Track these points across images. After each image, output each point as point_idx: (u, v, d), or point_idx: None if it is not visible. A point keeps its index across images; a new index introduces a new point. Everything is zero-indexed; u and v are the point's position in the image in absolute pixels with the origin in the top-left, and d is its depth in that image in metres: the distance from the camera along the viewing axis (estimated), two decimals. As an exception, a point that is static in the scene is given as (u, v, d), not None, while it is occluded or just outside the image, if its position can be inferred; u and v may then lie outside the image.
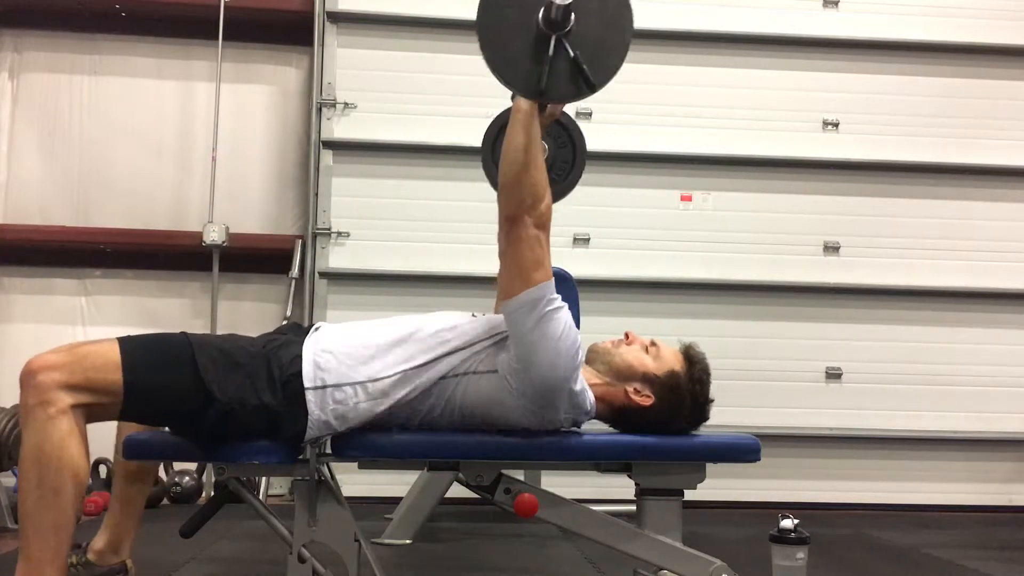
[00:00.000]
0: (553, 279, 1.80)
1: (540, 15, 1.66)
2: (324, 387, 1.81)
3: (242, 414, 1.76)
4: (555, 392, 1.79)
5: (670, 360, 1.96)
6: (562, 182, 2.20)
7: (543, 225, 1.80)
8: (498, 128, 2.37)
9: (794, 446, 4.53)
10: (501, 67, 1.69)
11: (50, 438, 1.68)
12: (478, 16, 1.70)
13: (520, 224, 1.79)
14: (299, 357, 1.83)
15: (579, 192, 4.51)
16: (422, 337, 1.88)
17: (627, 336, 2.01)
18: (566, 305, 1.81)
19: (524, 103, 1.78)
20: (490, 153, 2.33)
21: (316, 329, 1.95)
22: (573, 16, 1.65)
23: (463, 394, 1.86)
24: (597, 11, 1.69)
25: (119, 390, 1.73)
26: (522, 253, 1.79)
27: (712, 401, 1.98)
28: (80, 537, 2.17)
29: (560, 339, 1.77)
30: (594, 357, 2.00)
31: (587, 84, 1.69)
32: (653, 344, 1.99)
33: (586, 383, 1.90)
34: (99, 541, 2.11)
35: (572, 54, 1.67)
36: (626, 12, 1.73)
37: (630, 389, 1.93)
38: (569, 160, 2.19)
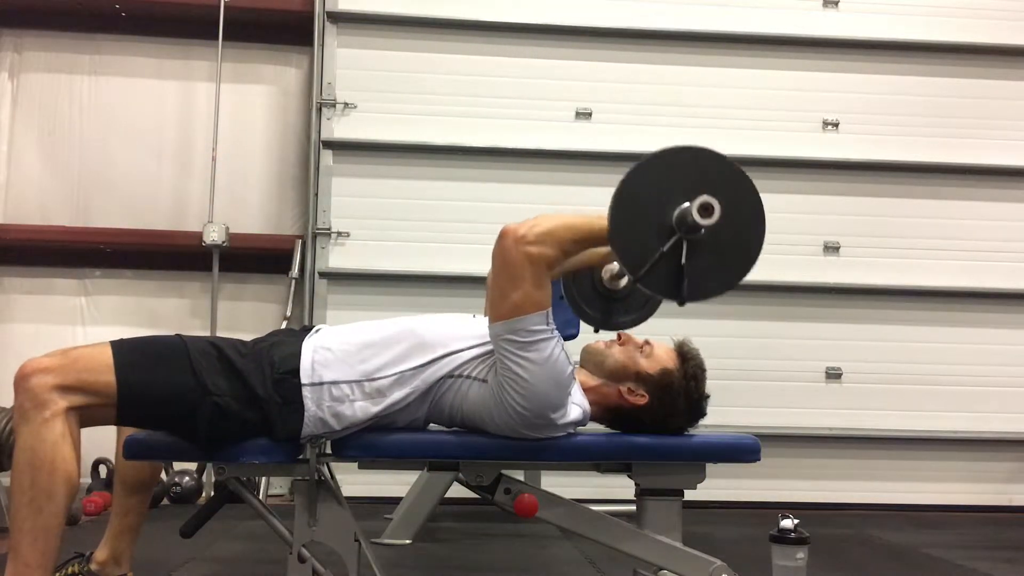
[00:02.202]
0: (541, 312, 1.73)
1: (678, 211, 1.65)
2: (321, 384, 1.81)
3: (235, 408, 1.76)
4: (535, 418, 1.78)
5: (663, 358, 1.95)
6: (635, 312, 2.16)
7: (534, 262, 1.72)
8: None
9: (794, 446, 4.53)
10: (618, 225, 1.67)
11: (44, 441, 1.68)
12: (633, 168, 1.67)
13: (508, 242, 1.73)
14: (294, 355, 1.84)
15: (580, 192, 4.56)
16: (421, 339, 1.88)
17: (620, 336, 2.01)
18: (554, 337, 1.76)
19: (602, 230, 1.71)
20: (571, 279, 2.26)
21: (317, 330, 1.95)
22: (704, 230, 1.64)
23: (454, 397, 1.86)
24: (727, 236, 1.66)
25: (112, 391, 1.74)
26: (501, 278, 1.75)
27: (708, 397, 1.97)
28: (80, 538, 2.17)
29: (538, 371, 1.73)
30: (587, 358, 1.99)
31: (677, 295, 1.68)
32: (647, 343, 1.98)
33: (580, 392, 1.89)
34: (101, 553, 2.12)
35: (682, 262, 1.65)
36: (752, 253, 1.71)
37: (624, 389, 1.93)
38: (642, 300, 2.16)
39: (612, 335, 2.03)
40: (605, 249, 1.84)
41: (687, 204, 1.63)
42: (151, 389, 1.76)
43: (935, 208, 4.72)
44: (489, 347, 1.86)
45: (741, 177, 1.70)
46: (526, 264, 1.72)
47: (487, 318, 1.87)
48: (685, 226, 1.64)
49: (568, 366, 1.80)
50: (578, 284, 2.11)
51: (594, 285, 2.10)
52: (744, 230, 1.69)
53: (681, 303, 1.69)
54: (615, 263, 1.98)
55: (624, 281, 2.08)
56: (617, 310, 2.13)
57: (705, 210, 1.60)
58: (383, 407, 1.83)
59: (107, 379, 1.73)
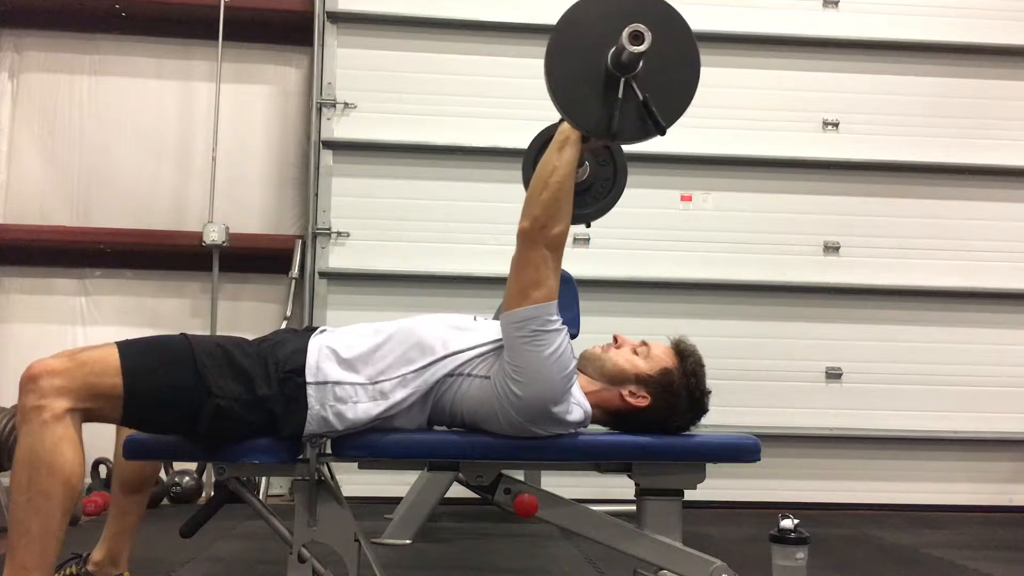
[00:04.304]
0: (555, 301, 1.78)
1: (610, 58, 1.67)
2: (325, 383, 1.81)
3: (239, 408, 1.76)
4: (539, 411, 1.79)
5: (661, 358, 1.95)
6: (602, 200, 2.19)
7: (554, 247, 1.78)
8: (540, 143, 2.34)
9: (794, 446, 4.54)
10: (571, 109, 1.71)
11: (44, 442, 1.67)
12: (547, 58, 1.71)
13: (530, 241, 1.78)
14: (299, 352, 1.84)
15: (579, 192, 4.55)
16: (423, 340, 1.88)
17: (615, 339, 2.01)
18: (564, 329, 1.79)
19: (569, 131, 1.77)
20: (531, 167, 2.28)
21: (322, 331, 1.96)
22: (643, 59, 1.66)
23: (455, 395, 1.87)
24: (665, 53, 1.69)
25: (119, 394, 1.73)
26: (525, 270, 1.78)
27: (709, 392, 1.97)
28: (80, 538, 2.17)
29: (547, 361, 1.76)
30: (585, 363, 1.99)
31: (656, 126, 1.70)
32: (643, 344, 1.98)
33: (582, 394, 1.90)
34: (98, 553, 2.12)
35: (642, 97, 1.68)
36: (692, 53, 1.74)
37: (625, 392, 1.93)
38: (610, 178, 2.18)
39: (608, 339, 2.03)
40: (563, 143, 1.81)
41: (614, 47, 1.65)
42: (158, 393, 1.76)
43: (935, 208, 4.72)
44: (491, 346, 1.87)
45: None
46: (549, 255, 1.77)
47: (496, 315, 1.87)
48: (624, 66, 1.66)
49: (572, 361, 1.82)
50: None
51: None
52: (676, 40, 1.74)
53: (663, 132, 1.72)
54: None
55: (585, 171, 2.10)
56: (584, 202, 2.16)
57: (635, 38, 1.63)
58: (384, 408, 1.83)
59: (114, 382, 1.73)
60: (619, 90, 1.67)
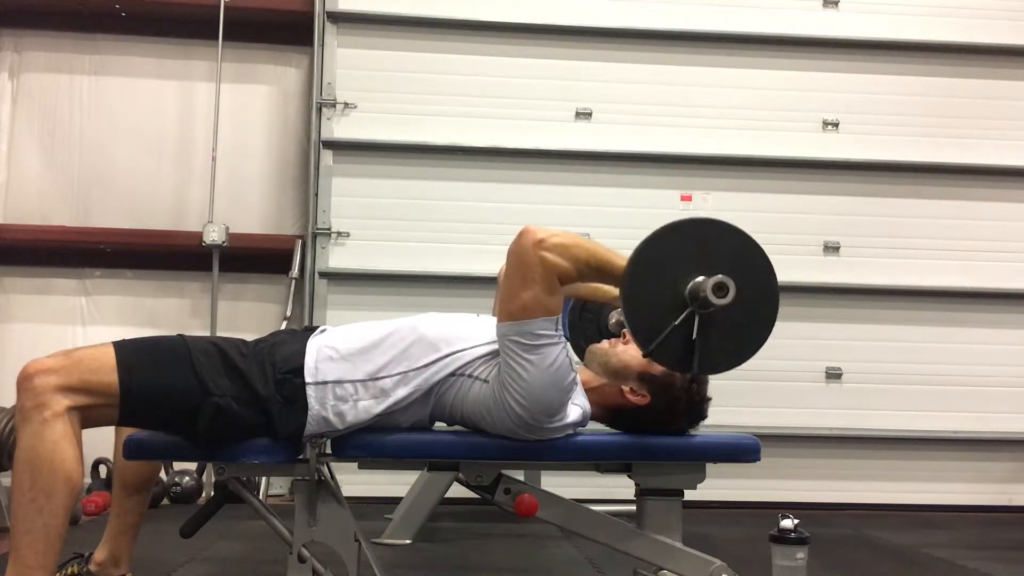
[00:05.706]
0: (551, 318, 1.74)
1: (691, 285, 1.65)
2: (325, 383, 1.81)
3: (236, 409, 1.76)
4: (535, 422, 1.78)
5: None
6: None
7: (546, 266, 1.71)
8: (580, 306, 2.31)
9: (794, 446, 4.54)
10: (632, 295, 1.68)
11: (44, 441, 1.68)
12: (646, 241, 1.69)
13: (525, 241, 1.72)
14: (297, 354, 1.84)
15: (579, 191, 4.57)
16: (424, 338, 1.88)
17: (624, 336, 2.01)
18: (560, 343, 1.76)
19: (618, 269, 1.73)
20: (577, 318, 2.25)
21: (321, 331, 1.96)
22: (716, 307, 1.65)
23: (455, 395, 1.87)
24: (739, 313, 1.66)
25: (115, 392, 1.74)
26: (514, 274, 1.74)
27: (709, 400, 1.97)
28: (80, 538, 2.17)
29: (539, 375, 1.73)
30: (591, 358, 1.99)
31: (688, 368, 1.69)
32: None
33: (582, 393, 1.90)
34: (100, 553, 2.12)
35: (694, 337, 1.66)
36: (764, 332, 1.71)
37: (626, 388, 1.93)
38: None
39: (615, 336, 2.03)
40: (615, 291, 1.83)
41: (701, 279, 1.64)
42: (153, 390, 1.76)
43: (935, 208, 4.72)
44: (493, 347, 1.86)
45: (756, 252, 1.71)
46: (539, 267, 1.71)
47: (494, 316, 1.87)
48: (698, 301, 1.64)
49: (571, 373, 1.80)
50: (584, 324, 2.11)
51: (600, 328, 2.10)
52: (756, 307, 1.70)
53: (692, 378, 1.72)
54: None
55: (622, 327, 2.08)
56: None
57: (720, 289, 1.62)
58: (386, 406, 1.83)
59: (110, 380, 1.74)
60: (680, 315, 1.66)
